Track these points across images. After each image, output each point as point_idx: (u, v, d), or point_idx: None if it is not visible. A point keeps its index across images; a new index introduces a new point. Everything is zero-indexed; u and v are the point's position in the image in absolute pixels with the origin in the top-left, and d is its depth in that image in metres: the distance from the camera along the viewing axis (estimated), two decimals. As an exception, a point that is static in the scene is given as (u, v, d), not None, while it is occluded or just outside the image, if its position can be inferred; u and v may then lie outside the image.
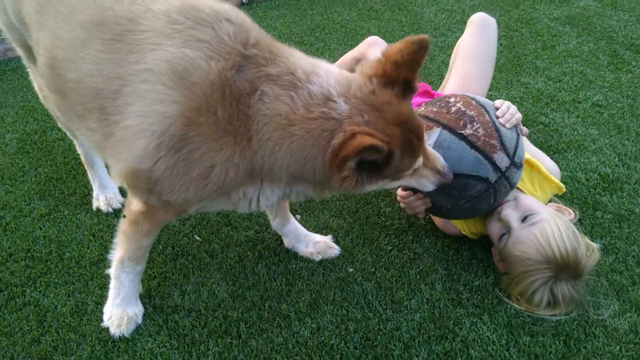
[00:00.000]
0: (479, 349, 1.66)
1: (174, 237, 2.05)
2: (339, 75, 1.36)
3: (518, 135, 1.81)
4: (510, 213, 1.83)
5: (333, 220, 2.14)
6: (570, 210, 1.94)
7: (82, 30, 1.42)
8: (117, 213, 2.14)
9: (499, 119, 1.77)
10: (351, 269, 1.93)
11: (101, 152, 1.56)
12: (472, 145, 1.71)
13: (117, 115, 1.35)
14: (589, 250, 1.74)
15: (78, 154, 2.22)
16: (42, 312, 1.76)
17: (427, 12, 3.97)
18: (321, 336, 1.70)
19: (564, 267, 1.70)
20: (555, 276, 1.71)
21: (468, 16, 2.65)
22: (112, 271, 1.71)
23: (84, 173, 2.27)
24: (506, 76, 3.15)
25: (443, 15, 3.90)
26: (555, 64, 3.28)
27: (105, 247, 1.96)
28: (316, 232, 2.05)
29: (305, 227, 2.05)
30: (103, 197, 2.19)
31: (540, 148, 2.51)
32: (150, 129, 1.29)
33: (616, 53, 3.38)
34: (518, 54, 3.40)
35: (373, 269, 1.93)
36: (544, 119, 2.75)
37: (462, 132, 1.72)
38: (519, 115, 1.82)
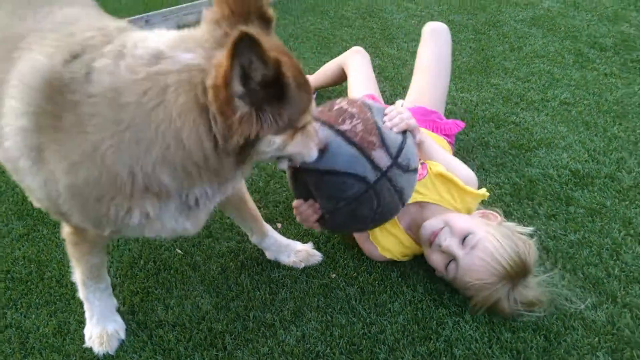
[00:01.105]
0: (462, 347, 1.68)
1: (155, 252, 2.03)
2: (176, 35, 1.17)
3: (405, 138, 1.69)
4: (450, 242, 1.76)
5: (314, 227, 2.14)
6: (495, 213, 1.92)
7: None
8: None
9: (386, 123, 1.68)
10: (334, 275, 1.93)
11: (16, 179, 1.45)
12: (349, 141, 1.60)
13: (3, 138, 1.26)
14: (525, 245, 1.75)
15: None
16: (24, 334, 1.72)
17: (397, 18, 4.01)
18: (307, 343, 1.70)
19: (517, 274, 1.71)
20: (512, 286, 1.72)
21: (437, 20, 2.69)
22: (80, 294, 1.69)
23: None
24: (476, 78, 3.19)
25: (413, 21, 3.94)
26: (523, 64, 3.34)
27: (86, 265, 1.93)
28: (298, 240, 2.05)
29: (286, 235, 2.05)
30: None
31: (513, 147, 2.56)
32: (20, 148, 1.21)
33: (581, 52, 3.46)
34: (487, 56, 3.45)
35: (355, 274, 1.94)
36: (515, 118, 2.79)
37: (339, 127, 1.62)
38: (411, 122, 1.72)
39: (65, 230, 1.51)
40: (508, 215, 2.10)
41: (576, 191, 2.27)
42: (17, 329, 1.74)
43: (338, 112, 1.68)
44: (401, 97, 2.71)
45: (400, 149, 1.65)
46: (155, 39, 1.16)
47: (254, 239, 1.97)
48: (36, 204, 1.42)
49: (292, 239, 2.04)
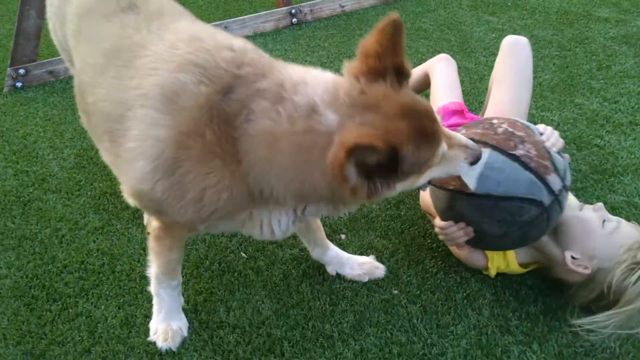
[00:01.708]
0: (528, 379, 1.61)
1: (221, 254, 2.08)
2: (329, 82, 1.29)
3: (564, 158, 1.77)
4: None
5: (378, 241, 2.13)
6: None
7: (103, 58, 1.51)
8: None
9: (546, 143, 1.73)
10: (396, 291, 1.91)
11: (116, 172, 1.62)
12: (526, 167, 1.66)
13: (122, 138, 1.40)
14: None
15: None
16: (94, 324, 1.81)
17: (477, 31, 3.93)
18: (364, 358, 1.68)
19: None
20: None
21: (519, 34, 2.60)
22: (151, 288, 1.76)
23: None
24: (559, 97, 3.07)
25: (493, 35, 3.85)
26: (611, 84, 3.18)
27: (155, 262, 2.01)
28: (361, 253, 2.04)
29: (349, 247, 2.04)
30: None
31: (595, 171, 2.43)
32: (147, 152, 1.33)
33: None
34: (572, 74, 3.31)
35: (418, 292, 1.90)
36: (599, 141, 2.66)
37: (514, 152, 1.67)
38: (562, 142, 1.78)
39: (154, 225, 1.61)
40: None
41: (664, 222, 2.13)
42: (87, 317, 1.83)
43: (505, 135, 1.72)
44: (476, 112, 2.64)
45: (565, 170, 1.74)
46: (312, 86, 1.27)
47: (314, 253, 1.97)
48: (132, 200, 1.52)
49: (356, 251, 2.04)
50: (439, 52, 3.62)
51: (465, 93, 3.10)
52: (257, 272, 1.99)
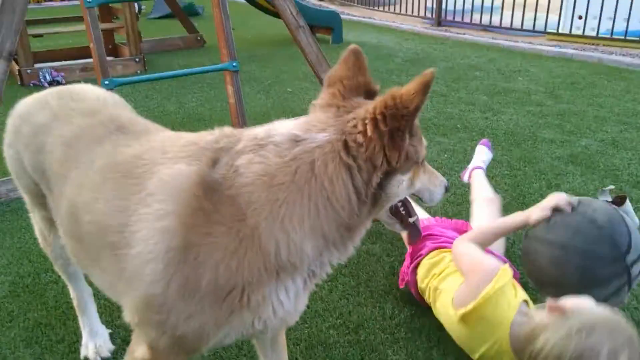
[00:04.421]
0: None
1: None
2: (299, 121, 1.40)
3: None
4: None
5: (337, 370, 2.06)
6: None
7: (99, 175, 1.55)
8: (105, 362, 2.08)
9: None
10: None
11: (114, 293, 1.58)
12: None
13: (126, 248, 1.39)
14: None
15: (70, 298, 2.21)
16: None
17: (429, 152, 4.15)
18: None
19: None
20: None
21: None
22: None
23: (74, 318, 2.24)
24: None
25: (445, 155, 4.07)
26: (562, 202, 3.35)
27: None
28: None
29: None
30: (92, 345, 2.14)
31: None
32: (155, 250, 1.32)
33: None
34: (523, 192, 3.49)
35: None
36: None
37: None
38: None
39: (138, 356, 1.47)
40: None
41: None
42: None
43: None
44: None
45: None
46: (284, 127, 1.37)
47: None
48: (130, 317, 1.45)
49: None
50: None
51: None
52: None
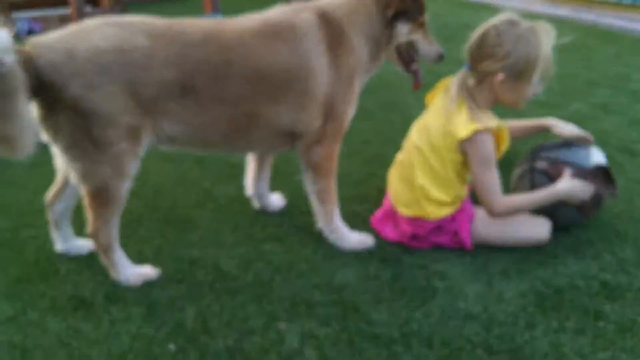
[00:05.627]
0: None
1: (147, 347, 1.99)
2: None
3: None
4: None
5: (319, 329, 2.10)
6: None
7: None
8: (86, 320, 2.10)
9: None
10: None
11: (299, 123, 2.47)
12: None
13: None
14: None
15: (50, 253, 2.22)
16: None
17: (418, 112, 4.13)
18: None
19: None
20: None
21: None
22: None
23: (56, 273, 2.25)
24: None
25: (435, 116, 4.06)
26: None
27: (72, 356, 1.90)
28: (301, 343, 2.01)
29: (289, 336, 2.01)
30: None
31: (538, 253, 2.53)
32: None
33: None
34: (515, 151, 3.50)
35: None
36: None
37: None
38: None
39: (322, 154, 2.55)
40: (531, 327, 2.04)
41: (606, 304, 2.21)
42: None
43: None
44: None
45: None
46: None
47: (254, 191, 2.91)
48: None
49: (295, 341, 2.00)
50: (383, 132, 3.78)
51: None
52: (187, 366, 1.92)
